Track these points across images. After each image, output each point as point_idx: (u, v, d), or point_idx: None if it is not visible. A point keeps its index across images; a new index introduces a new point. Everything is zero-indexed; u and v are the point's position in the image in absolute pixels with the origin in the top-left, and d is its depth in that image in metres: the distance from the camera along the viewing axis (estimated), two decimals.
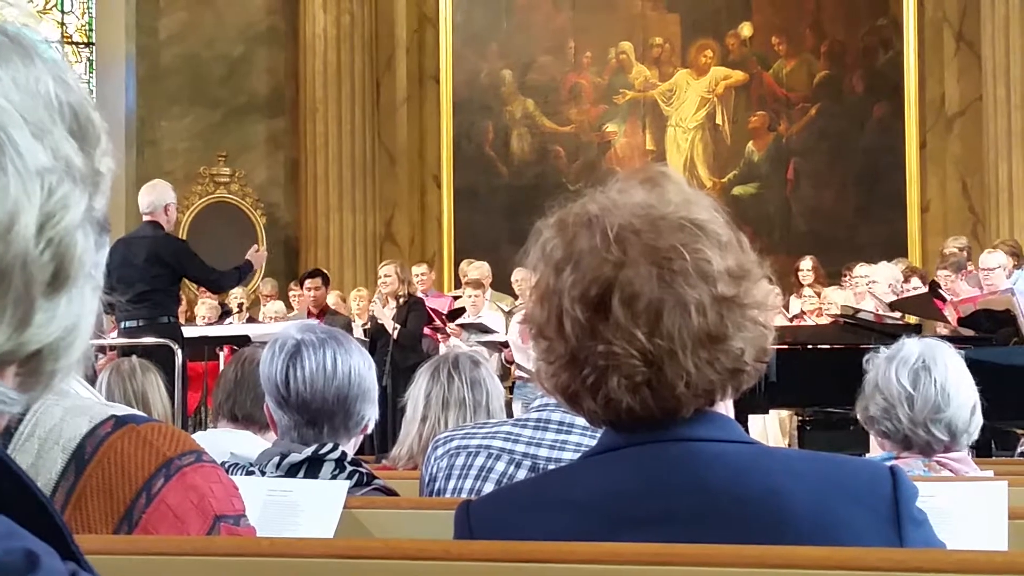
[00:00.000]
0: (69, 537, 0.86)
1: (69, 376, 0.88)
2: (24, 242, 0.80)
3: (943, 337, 7.87)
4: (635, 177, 1.56)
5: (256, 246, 9.82)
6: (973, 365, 3.20)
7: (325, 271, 12.07)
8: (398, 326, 10.12)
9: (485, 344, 10.05)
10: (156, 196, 8.40)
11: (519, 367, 9.81)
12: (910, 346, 3.07)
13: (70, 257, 0.83)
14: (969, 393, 3.06)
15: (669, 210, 1.50)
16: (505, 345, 9.89)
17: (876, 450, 3.17)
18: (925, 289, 9.94)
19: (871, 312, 9.03)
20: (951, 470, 3.06)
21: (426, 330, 10.50)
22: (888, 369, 3.05)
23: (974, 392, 3.08)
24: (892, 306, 9.22)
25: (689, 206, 1.51)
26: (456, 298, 11.27)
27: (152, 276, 8.11)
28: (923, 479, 2.80)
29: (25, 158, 0.81)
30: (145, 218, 8.38)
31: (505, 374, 10.05)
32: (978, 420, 3.08)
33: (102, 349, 7.58)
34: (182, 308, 10.34)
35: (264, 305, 12.12)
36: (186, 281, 9.34)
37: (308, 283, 11.45)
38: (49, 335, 0.83)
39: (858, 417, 3.16)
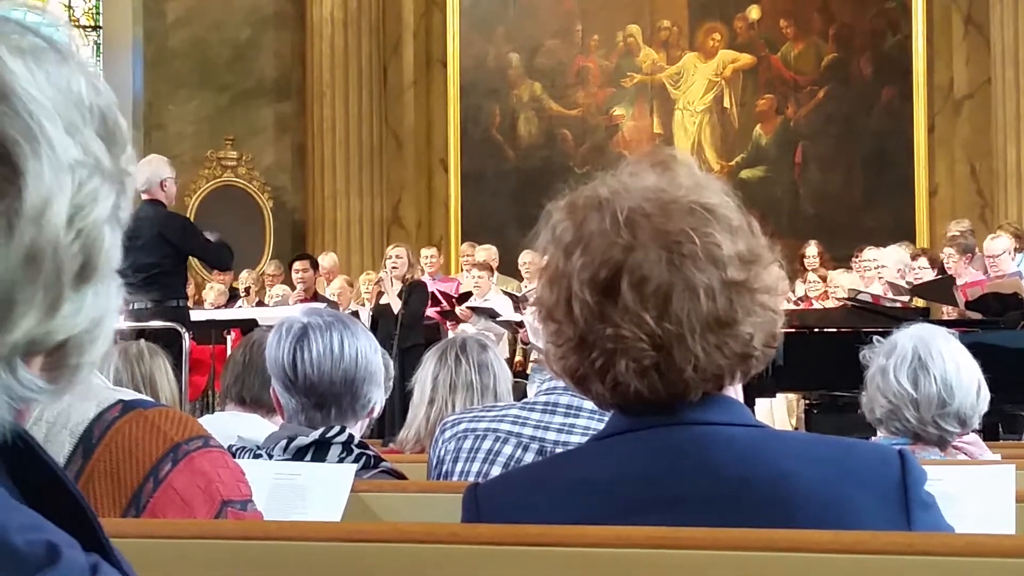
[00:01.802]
0: (97, 526, 0.88)
1: (92, 372, 0.90)
2: (56, 229, 0.83)
3: (951, 322, 7.88)
4: (646, 160, 1.55)
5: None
6: (981, 349, 3.18)
7: (312, 255, 12.07)
8: (403, 302, 10.10)
9: (500, 324, 10.06)
10: (151, 172, 8.18)
11: (536, 349, 9.82)
12: (903, 341, 3.02)
13: (97, 250, 0.86)
14: (971, 376, 3.02)
15: (680, 194, 1.49)
16: (520, 325, 9.90)
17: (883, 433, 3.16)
18: (931, 270, 9.94)
19: (877, 295, 9.02)
20: (966, 453, 3.05)
21: (433, 313, 10.49)
22: (886, 369, 3.02)
23: (976, 371, 3.04)
24: (912, 291, 9.21)
25: (700, 190, 1.50)
26: (461, 283, 11.26)
27: (158, 257, 8.01)
28: (934, 462, 2.79)
29: (57, 150, 0.83)
30: (143, 196, 8.21)
31: (518, 357, 10.08)
32: (985, 395, 3.04)
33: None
34: (190, 291, 10.29)
35: (269, 287, 12.13)
36: (195, 266, 9.26)
37: (296, 266, 11.45)
38: (76, 326, 0.85)
39: (866, 417, 3.14)
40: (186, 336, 7.83)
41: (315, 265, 11.65)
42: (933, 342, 3.02)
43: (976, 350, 3.10)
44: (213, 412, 4.32)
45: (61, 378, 0.87)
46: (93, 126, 0.87)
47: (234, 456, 2.56)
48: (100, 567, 0.82)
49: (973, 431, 3.15)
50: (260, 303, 11.63)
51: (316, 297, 10.94)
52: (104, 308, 0.88)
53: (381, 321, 10.11)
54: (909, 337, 3.04)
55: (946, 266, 9.77)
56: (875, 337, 3.15)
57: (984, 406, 3.05)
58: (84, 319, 0.86)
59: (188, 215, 12.93)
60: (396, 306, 10.06)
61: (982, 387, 3.04)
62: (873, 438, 3.16)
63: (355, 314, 9.92)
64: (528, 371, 9.98)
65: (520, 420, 2.75)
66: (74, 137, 0.85)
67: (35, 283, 0.82)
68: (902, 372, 2.99)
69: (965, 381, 3.00)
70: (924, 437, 3.02)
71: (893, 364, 3.00)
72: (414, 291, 10.22)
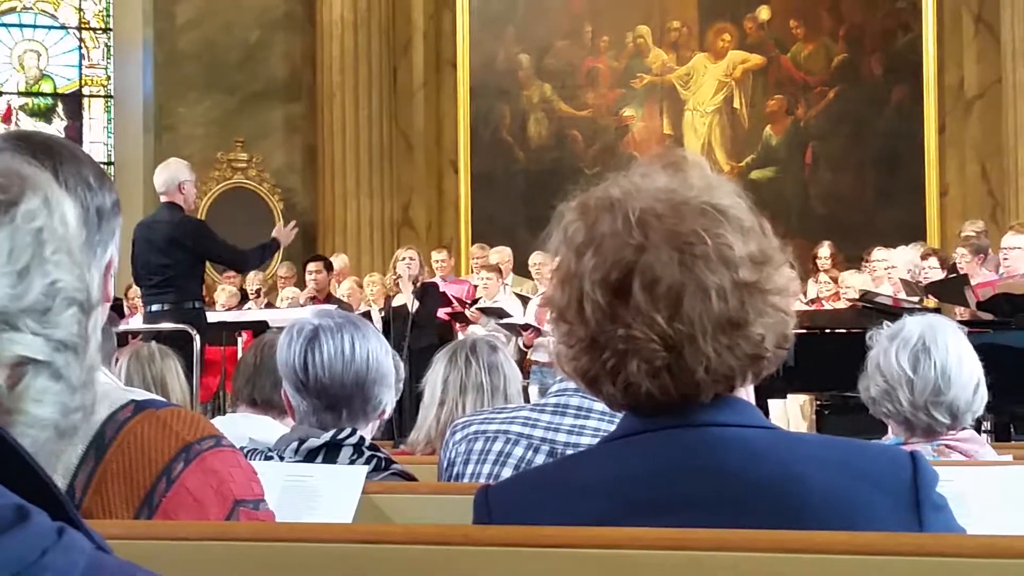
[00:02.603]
0: (65, 501, 0.93)
1: (29, 430, 0.97)
2: (35, 232, 0.98)
3: (962, 322, 7.85)
4: (658, 161, 1.55)
5: (280, 223, 9.35)
6: (992, 349, 3.18)
7: (326, 256, 12.10)
8: (417, 302, 10.08)
9: (505, 326, 10.03)
10: (169, 175, 8.23)
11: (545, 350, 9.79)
12: (911, 326, 3.02)
13: (61, 307, 0.98)
14: (971, 372, 3.00)
15: (691, 195, 1.49)
16: (525, 328, 9.87)
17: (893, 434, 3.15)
18: (941, 270, 9.91)
19: (889, 296, 9.00)
20: (960, 451, 3.03)
21: (443, 314, 10.48)
22: (889, 349, 3.01)
23: (977, 369, 3.02)
24: (925, 289, 9.19)
25: (712, 191, 1.50)
26: (476, 286, 11.24)
27: (173, 260, 8.03)
28: (946, 463, 2.78)
29: (55, 217, 1.01)
30: (162, 199, 8.26)
31: (520, 359, 10.04)
32: (982, 396, 3.02)
33: (123, 338, 7.49)
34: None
35: (281, 289, 12.15)
36: (207, 267, 9.24)
37: (310, 267, 11.46)
38: (36, 351, 0.96)
39: (861, 397, 3.13)
40: (197, 339, 7.83)
41: (329, 267, 11.66)
42: (941, 330, 3.01)
43: (987, 351, 3.09)
44: (224, 414, 4.34)
45: (11, 411, 0.95)
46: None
47: (245, 457, 2.56)
48: (66, 529, 0.88)
49: (969, 428, 3.13)
50: (269, 305, 11.64)
51: (329, 298, 10.94)
52: (60, 365, 0.98)
53: (394, 322, 10.10)
54: (918, 323, 3.04)
55: (958, 266, 9.74)
56: (884, 321, 3.14)
57: (980, 407, 3.04)
58: (43, 352, 0.97)
59: (198, 217, 12.95)
60: (412, 306, 10.03)
61: (980, 386, 3.03)
62: (883, 439, 3.15)
63: (367, 315, 9.92)
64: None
65: (531, 422, 2.75)
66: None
67: (9, 261, 0.96)
68: (904, 354, 2.98)
69: (964, 375, 2.99)
70: (913, 423, 3.01)
71: (896, 346, 3.00)
72: (426, 292, 10.22)
